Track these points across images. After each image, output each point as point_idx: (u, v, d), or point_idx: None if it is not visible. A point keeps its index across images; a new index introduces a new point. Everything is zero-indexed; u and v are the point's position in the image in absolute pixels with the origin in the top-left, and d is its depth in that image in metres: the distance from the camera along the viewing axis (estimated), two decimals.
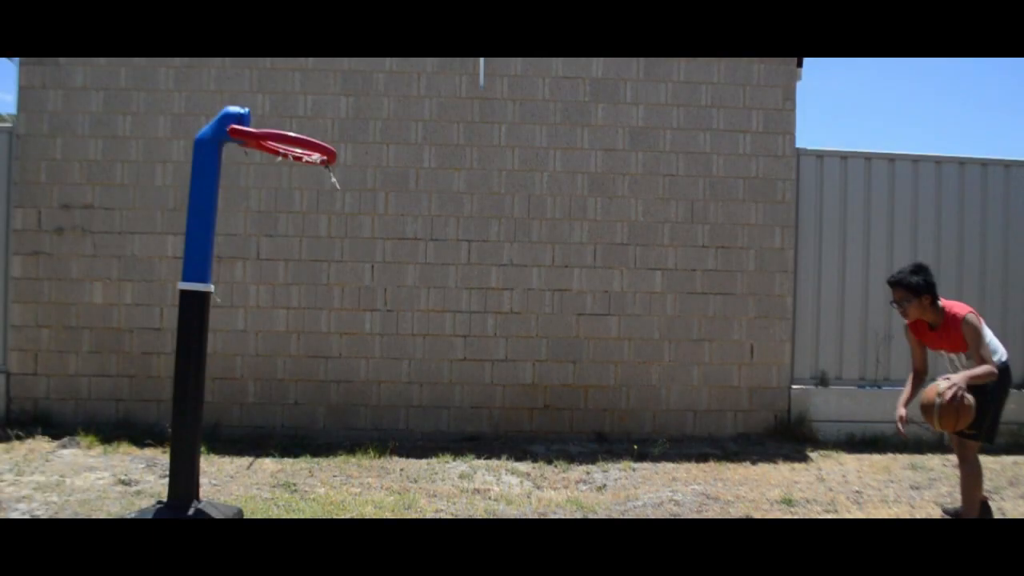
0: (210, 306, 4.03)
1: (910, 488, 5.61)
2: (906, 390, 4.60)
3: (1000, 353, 4.45)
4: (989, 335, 4.43)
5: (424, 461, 5.94)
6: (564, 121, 6.87)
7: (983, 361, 4.24)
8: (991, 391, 4.36)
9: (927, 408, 4.12)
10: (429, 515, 4.70)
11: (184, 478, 3.87)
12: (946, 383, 4.07)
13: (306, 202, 6.73)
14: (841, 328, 7.11)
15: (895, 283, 4.46)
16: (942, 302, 4.45)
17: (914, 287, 4.37)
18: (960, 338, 4.37)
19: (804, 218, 7.09)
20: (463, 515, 4.73)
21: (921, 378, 4.65)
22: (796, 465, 6.16)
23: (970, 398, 4.06)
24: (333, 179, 5.00)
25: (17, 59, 6.60)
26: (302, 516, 4.56)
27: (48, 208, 6.64)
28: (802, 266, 7.08)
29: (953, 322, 4.37)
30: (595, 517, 4.76)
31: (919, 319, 4.47)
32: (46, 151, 6.66)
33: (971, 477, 4.47)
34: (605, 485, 5.47)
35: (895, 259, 7.14)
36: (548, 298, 6.83)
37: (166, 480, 4.11)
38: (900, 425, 4.37)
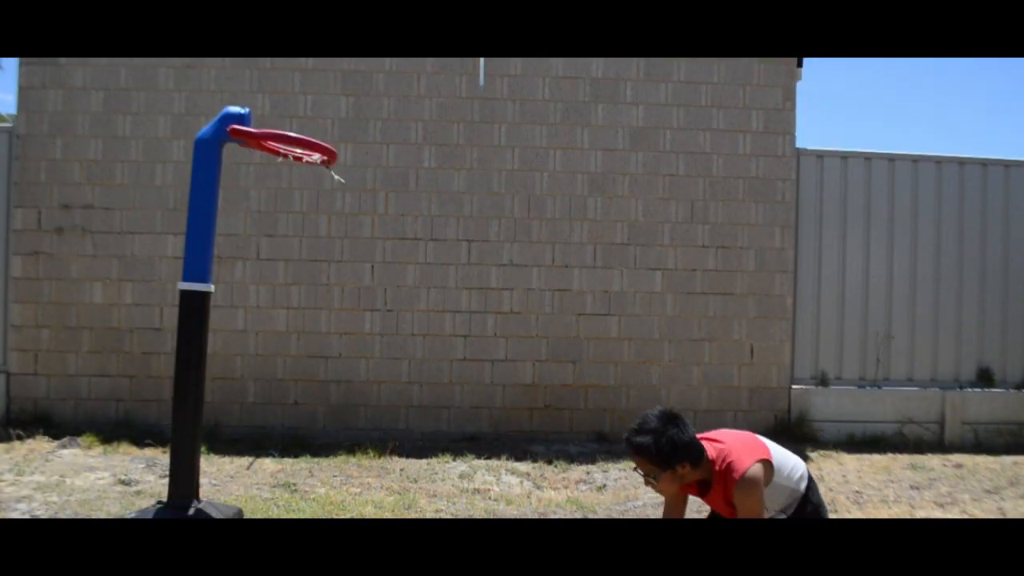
0: (210, 306, 4.03)
1: (910, 488, 5.61)
2: None
3: (795, 481, 2.95)
4: (781, 469, 2.91)
5: (424, 461, 5.93)
6: (564, 121, 6.87)
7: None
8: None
9: None
10: (429, 515, 4.70)
11: (184, 478, 3.87)
12: None
13: (306, 202, 6.73)
14: (841, 328, 7.11)
15: (635, 449, 2.80)
16: (716, 445, 2.89)
17: (663, 457, 2.75)
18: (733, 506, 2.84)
19: (804, 218, 7.09)
20: (463, 515, 4.73)
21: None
22: None
23: None
24: (336, 177, 4.99)
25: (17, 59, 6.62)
26: (302, 516, 4.56)
27: (48, 208, 6.64)
28: (802, 266, 7.08)
29: (726, 481, 2.81)
30: (595, 517, 4.76)
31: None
32: (46, 151, 6.66)
33: None
34: (605, 485, 5.47)
35: (895, 259, 7.16)
36: (548, 298, 6.83)
37: (166, 480, 4.11)
38: None
